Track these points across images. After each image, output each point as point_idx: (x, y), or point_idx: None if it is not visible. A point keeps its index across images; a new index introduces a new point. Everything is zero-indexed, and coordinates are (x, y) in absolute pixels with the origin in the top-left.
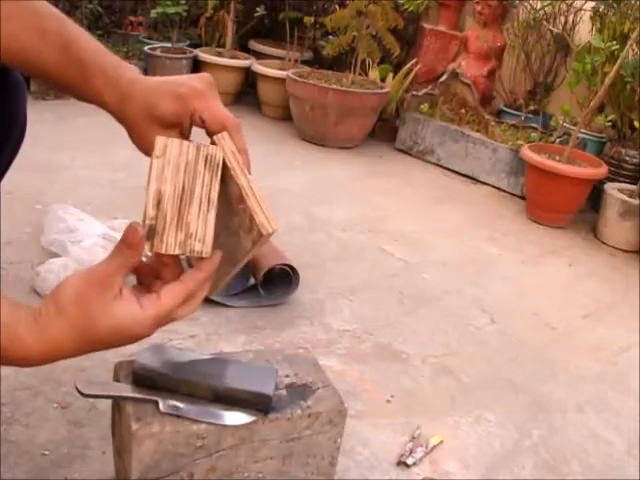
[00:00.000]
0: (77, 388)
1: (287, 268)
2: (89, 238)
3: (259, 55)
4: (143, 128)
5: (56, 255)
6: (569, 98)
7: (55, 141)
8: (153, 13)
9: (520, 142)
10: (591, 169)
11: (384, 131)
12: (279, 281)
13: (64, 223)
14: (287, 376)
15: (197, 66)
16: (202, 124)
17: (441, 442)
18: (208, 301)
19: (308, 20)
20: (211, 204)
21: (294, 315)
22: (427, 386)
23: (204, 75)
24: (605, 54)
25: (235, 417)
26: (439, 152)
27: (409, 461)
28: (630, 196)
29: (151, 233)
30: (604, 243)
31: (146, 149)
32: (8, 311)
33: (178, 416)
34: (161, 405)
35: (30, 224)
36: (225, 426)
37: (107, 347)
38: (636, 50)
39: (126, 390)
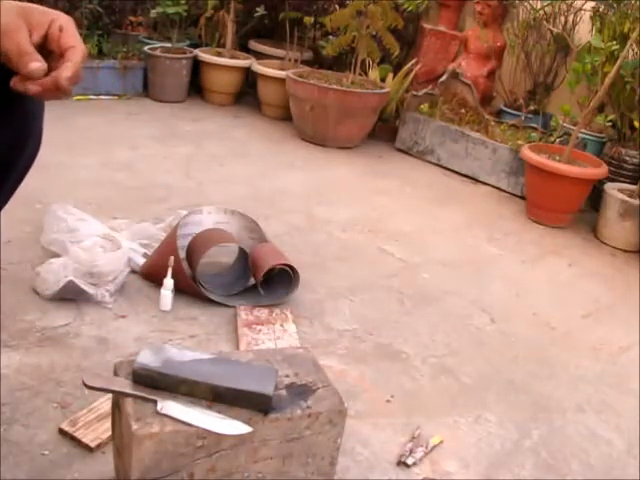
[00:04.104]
0: (83, 380)
1: (287, 268)
2: (89, 238)
3: (259, 55)
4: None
5: (56, 255)
6: (569, 98)
7: (55, 141)
8: (153, 13)
9: (520, 142)
10: (591, 169)
11: (384, 131)
12: (279, 281)
13: (64, 223)
14: (287, 376)
15: (197, 66)
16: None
17: (441, 442)
18: (208, 301)
19: (308, 20)
20: None
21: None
22: (427, 386)
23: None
24: (605, 54)
25: (231, 426)
26: (439, 152)
27: (409, 461)
28: (630, 196)
29: None
30: (604, 243)
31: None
32: None
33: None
34: (159, 406)
35: (30, 224)
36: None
37: None
38: (636, 50)
39: (128, 387)
